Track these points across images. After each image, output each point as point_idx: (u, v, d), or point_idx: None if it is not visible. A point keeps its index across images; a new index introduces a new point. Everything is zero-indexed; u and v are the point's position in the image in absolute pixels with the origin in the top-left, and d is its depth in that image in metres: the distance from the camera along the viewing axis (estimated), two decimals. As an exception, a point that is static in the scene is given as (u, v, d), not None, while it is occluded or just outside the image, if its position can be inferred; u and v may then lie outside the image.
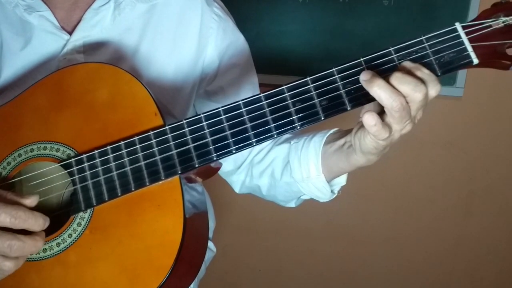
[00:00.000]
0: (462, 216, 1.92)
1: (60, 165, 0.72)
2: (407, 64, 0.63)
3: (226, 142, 0.67)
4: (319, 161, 0.79)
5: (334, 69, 0.65)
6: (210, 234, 1.03)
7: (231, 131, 0.67)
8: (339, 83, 0.65)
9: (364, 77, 0.61)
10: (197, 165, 0.68)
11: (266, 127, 0.66)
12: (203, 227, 0.77)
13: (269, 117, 0.66)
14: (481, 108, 1.79)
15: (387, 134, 0.63)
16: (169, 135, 0.69)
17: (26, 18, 0.82)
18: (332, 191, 0.82)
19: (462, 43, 0.64)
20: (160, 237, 0.66)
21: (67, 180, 0.72)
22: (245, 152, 0.88)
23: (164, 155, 0.68)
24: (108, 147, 0.70)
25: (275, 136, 0.66)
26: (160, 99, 0.74)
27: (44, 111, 0.75)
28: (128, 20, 0.85)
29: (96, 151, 0.70)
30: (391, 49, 0.65)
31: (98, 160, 0.70)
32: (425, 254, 1.98)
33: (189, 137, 0.68)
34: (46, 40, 0.82)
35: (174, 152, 0.68)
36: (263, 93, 0.67)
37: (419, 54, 0.64)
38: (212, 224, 1.06)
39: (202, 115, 0.68)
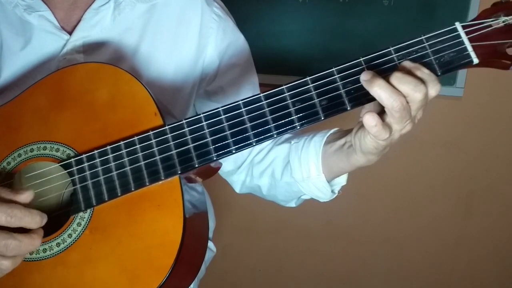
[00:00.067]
0: (462, 216, 1.92)
1: (60, 165, 0.72)
2: (407, 64, 0.63)
3: (226, 142, 0.67)
4: (320, 161, 0.79)
5: (334, 69, 0.65)
6: (210, 234, 1.03)
7: (231, 131, 0.67)
8: (339, 83, 0.65)
9: (364, 77, 0.61)
10: (197, 165, 0.68)
11: (266, 127, 0.66)
12: (203, 227, 0.77)
13: (269, 117, 0.66)
14: (481, 108, 1.79)
15: (387, 134, 0.63)
16: (169, 135, 0.69)
17: (26, 18, 0.82)
18: (332, 191, 0.82)
19: (462, 43, 0.64)
20: (160, 237, 0.66)
21: (67, 180, 0.72)
22: (245, 152, 0.88)
23: (164, 155, 0.68)
24: (108, 147, 0.70)
25: (275, 136, 0.66)
26: (160, 99, 0.74)
27: (44, 111, 0.75)
28: (128, 20, 0.85)
29: (96, 151, 0.70)
30: (391, 49, 0.65)
31: (98, 160, 0.70)
32: (425, 254, 1.98)
33: (189, 137, 0.68)
34: (46, 40, 0.82)
35: (174, 152, 0.68)
36: (263, 93, 0.67)
37: (419, 54, 0.64)
38: (212, 224, 1.06)
39: (202, 115, 0.68)
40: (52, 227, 0.70)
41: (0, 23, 0.83)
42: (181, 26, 0.87)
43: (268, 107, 0.66)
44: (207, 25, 0.89)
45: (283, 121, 0.66)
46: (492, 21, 0.64)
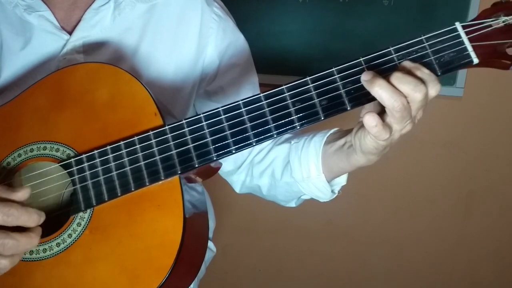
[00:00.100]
0: (462, 216, 1.92)
1: (60, 165, 0.72)
2: (407, 64, 0.63)
3: (226, 142, 0.67)
4: (320, 161, 0.79)
5: (334, 69, 0.65)
6: (210, 234, 1.03)
7: (231, 131, 0.67)
8: (339, 83, 0.65)
9: (365, 77, 0.61)
10: (197, 165, 0.68)
11: (266, 127, 0.66)
12: (203, 227, 0.77)
13: (269, 117, 0.66)
14: (481, 108, 1.79)
15: (387, 134, 0.63)
16: (169, 135, 0.69)
17: (26, 18, 0.82)
18: (332, 191, 0.82)
19: (462, 43, 0.64)
20: (160, 237, 0.66)
21: (67, 180, 0.72)
22: (245, 152, 0.88)
23: (164, 155, 0.68)
24: (108, 147, 0.70)
25: (275, 136, 0.66)
26: (160, 99, 0.74)
27: (44, 111, 0.75)
28: (128, 20, 0.85)
29: (96, 151, 0.70)
30: (391, 48, 0.65)
31: (98, 160, 0.70)
32: (425, 254, 1.98)
33: (188, 137, 0.68)
34: (46, 40, 0.82)
35: (173, 152, 0.68)
36: (263, 93, 0.67)
37: (419, 54, 0.64)
38: (212, 224, 1.06)
39: (202, 115, 0.68)
40: (52, 227, 0.70)
41: (0, 23, 0.83)
42: (181, 26, 0.87)
43: (268, 107, 0.66)
44: (207, 25, 0.89)
45: (283, 121, 0.66)
46: (492, 21, 0.64)
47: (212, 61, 0.90)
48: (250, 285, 2.13)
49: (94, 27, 0.83)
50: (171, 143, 0.68)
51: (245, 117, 0.67)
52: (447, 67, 0.64)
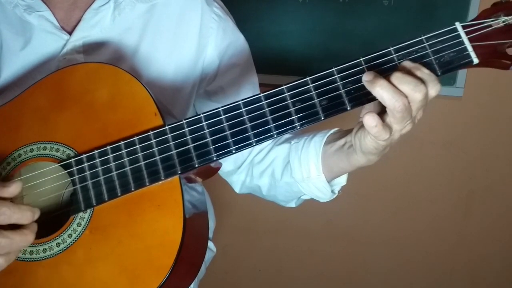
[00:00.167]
0: (462, 216, 1.92)
1: (60, 165, 0.72)
2: (407, 64, 0.63)
3: (226, 142, 0.67)
4: (320, 161, 0.79)
5: (334, 69, 0.65)
6: (210, 234, 1.03)
7: (231, 131, 0.67)
8: (339, 83, 0.65)
9: (366, 77, 0.61)
10: (197, 165, 0.68)
11: (266, 127, 0.66)
12: (203, 227, 0.77)
13: (269, 117, 0.66)
14: (481, 108, 1.79)
15: (387, 134, 0.63)
16: (169, 135, 0.69)
17: (26, 18, 0.82)
18: (332, 191, 0.82)
19: (462, 43, 0.64)
20: (160, 237, 0.66)
21: (67, 180, 0.72)
22: (245, 152, 0.88)
23: (164, 155, 0.68)
24: (108, 147, 0.70)
25: (275, 136, 0.66)
26: (160, 99, 0.74)
27: (44, 111, 0.75)
28: (128, 20, 0.85)
29: (96, 151, 0.70)
30: (391, 49, 0.65)
31: (98, 160, 0.70)
32: (425, 254, 1.98)
33: (189, 137, 0.68)
34: (46, 40, 0.82)
35: (174, 152, 0.68)
36: (263, 93, 0.67)
37: (419, 54, 0.64)
38: (212, 224, 1.06)
39: (202, 115, 0.68)
40: (52, 227, 0.70)
41: (0, 23, 0.83)
42: (181, 26, 0.87)
43: (268, 107, 0.66)
44: (207, 25, 0.89)
45: (283, 121, 0.66)
46: (492, 21, 0.64)
47: (212, 61, 0.90)
48: (250, 285, 2.13)
49: (94, 27, 0.83)
50: (171, 143, 0.68)
51: (245, 117, 0.67)
52: (447, 67, 0.64)
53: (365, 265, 2.03)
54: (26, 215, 0.64)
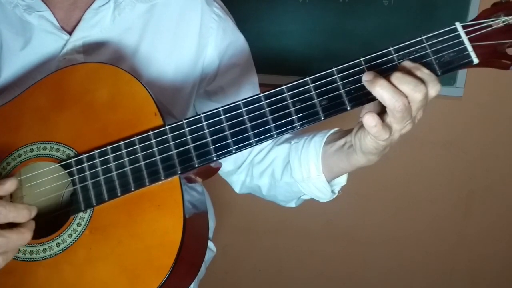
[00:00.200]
0: (462, 216, 1.92)
1: (60, 165, 0.72)
2: (407, 64, 0.63)
3: (226, 142, 0.67)
4: (320, 161, 0.79)
5: (334, 69, 0.65)
6: (210, 234, 1.03)
7: (231, 131, 0.67)
8: (339, 83, 0.65)
9: (366, 77, 0.61)
10: (197, 165, 0.68)
11: (266, 127, 0.66)
12: (203, 227, 0.77)
13: (269, 117, 0.66)
14: (481, 108, 1.79)
15: (387, 134, 0.63)
16: (169, 135, 0.68)
17: (26, 18, 0.82)
18: (332, 191, 0.82)
19: (462, 43, 0.64)
20: (160, 237, 0.66)
21: (67, 180, 0.72)
22: (245, 152, 0.88)
23: (164, 155, 0.68)
24: (108, 147, 0.70)
25: (275, 136, 0.66)
26: (160, 99, 0.74)
27: (44, 111, 0.75)
28: (128, 20, 0.85)
29: (96, 151, 0.70)
30: (391, 49, 0.65)
31: (98, 160, 0.70)
32: (425, 254, 1.98)
33: (189, 137, 0.68)
34: (46, 40, 0.82)
35: (173, 152, 0.68)
36: (263, 93, 0.67)
37: (419, 54, 0.64)
38: (212, 224, 1.06)
39: (202, 115, 0.68)
40: (52, 227, 0.70)
41: (0, 23, 0.83)
42: (181, 26, 0.87)
43: (268, 107, 0.66)
44: (207, 25, 0.89)
45: (283, 121, 0.66)
46: (492, 21, 0.64)
47: (212, 61, 0.90)
48: (250, 285, 2.13)
49: (94, 27, 0.83)
50: (171, 143, 0.68)
51: (245, 117, 0.67)
52: (447, 67, 0.64)
53: (365, 265, 2.03)
54: (22, 214, 0.64)
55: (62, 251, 0.69)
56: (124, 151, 0.69)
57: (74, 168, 0.71)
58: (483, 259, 1.95)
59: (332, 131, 0.81)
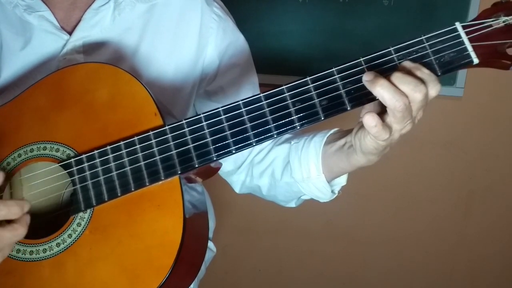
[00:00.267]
0: (462, 216, 1.92)
1: (60, 165, 0.72)
2: (407, 64, 0.63)
3: (226, 142, 0.67)
4: (320, 161, 0.79)
5: (334, 69, 0.65)
6: (210, 234, 1.03)
7: (231, 131, 0.67)
8: (339, 83, 0.65)
9: (366, 77, 0.61)
10: (197, 165, 0.68)
11: (266, 127, 0.66)
12: (203, 227, 0.77)
13: (269, 117, 0.66)
14: (481, 108, 1.79)
15: (387, 134, 0.63)
16: (169, 135, 0.68)
17: (26, 18, 0.82)
18: (332, 191, 0.82)
19: (462, 43, 0.64)
20: (160, 237, 0.66)
21: (67, 180, 0.72)
22: (245, 152, 0.88)
23: (164, 155, 0.68)
24: (108, 147, 0.70)
25: (275, 136, 0.66)
26: (160, 99, 0.74)
27: (44, 111, 0.75)
28: (128, 20, 0.85)
29: (96, 151, 0.70)
30: (391, 49, 0.65)
31: (98, 160, 0.70)
32: (425, 254, 1.98)
33: (189, 137, 0.68)
34: (46, 40, 0.82)
35: (174, 152, 0.68)
36: (263, 93, 0.67)
37: (419, 54, 0.64)
38: (212, 224, 1.06)
39: (202, 115, 0.68)
40: (52, 227, 0.70)
41: (0, 23, 0.83)
42: (181, 26, 0.87)
43: (268, 107, 0.66)
44: (207, 25, 0.89)
45: (283, 121, 0.66)
46: (492, 21, 0.64)
47: (212, 61, 0.90)
48: (250, 285, 2.13)
49: (94, 27, 0.83)
50: (171, 143, 0.68)
51: (245, 117, 0.67)
52: (447, 67, 0.64)
53: (365, 265, 2.03)
54: (13, 210, 0.63)
55: (62, 251, 0.69)
56: (124, 151, 0.69)
57: (74, 168, 0.71)
58: (483, 259, 1.95)
59: (332, 131, 0.81)
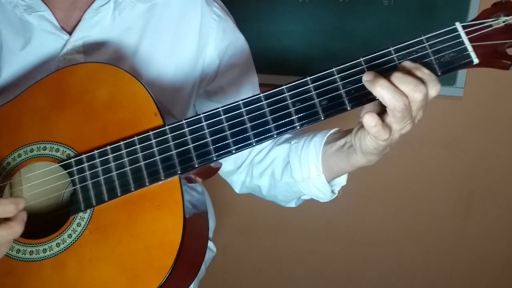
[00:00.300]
0: (462, 216, 1.92)
1: (60, 165, 0.72)
2: (407, 64, 0.63)
3: (226, 142, 0.67)
4: (320, 161, 0.79)
5: (334, 69, 0.65)
6: (210, 234, 1.03)
7: (231, 131, 0.67)
8: (339, 83, 0.65)
9: (366, 77, 0.61)
10: (197, 165, 0.68)
11: (266, 127, 0.66)
12: (203, 227, 0.77)
13: (269, 117, 0.66)
14: (481, 108, 1.79)
15: (387, 134, 0.63)
16: (169, 135, 0.68)
17: (26, 18, 0.82)
18: (332, 191, 0.82)
19: (462, 43, 0.64)
20: (160, 237, 0.66)
21: (66, 180, 0.72)
22: (245, 152, 0.88)
23: (164, 155, 0.68)
24: (108, 147, 0.70)
25: (275, 136, 0.66)
26: (160, 99, 0.74)
27: (44, 111, 0.75)
28: (128, 20, 0.85)
29: (95, 151, 0.70)
30: (391, 49, 0.65)
31: (97, 160, 0.70)
32: (425, 254, 1.98)
33: (188, 137, 0.68)
34: (46, 40, 0.82)
35: (173, 152, 0.68)
36: (263, 93, 0.67)
37: (419, 54, 0.64)
38: (212, 224, 1.06)
39: (202, 115, 0.68)
40: (52, 227, 0.70)
41: (0, 23, 0.83)
42: (181, 26, 0.87)
43: (268, 107, 0.66)
44: (207, 25, 0.89)
45: (283, 121, 0.66)
46: (492, 21, 0.64)
47: (212, 61, 0.90)
48: (250, 285, 2.13)
49: (94, 27, 0.83)
50: (171, 143, 0.68)
51: (245, 117, 0.67)
52: (447, 67, 0.64)
53: (365, 265, 2.03)
54: (8, 209, 0.63)
55: (62, 251, 0.69)
56: (124, 151, 0.69)
57: (74, 168, 0.71)
58: (483, 259, 1.95)
59: (332, 131, 0.81)
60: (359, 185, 1.70)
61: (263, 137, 0.67)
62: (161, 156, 0.68)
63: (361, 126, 0.67)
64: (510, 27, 0.63)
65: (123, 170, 0.69)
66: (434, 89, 0.62)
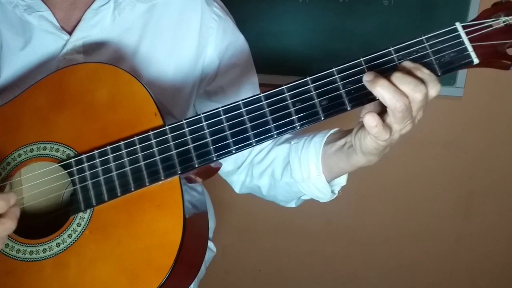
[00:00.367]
0: (462, 216, 1.92)
1: (60, 165, 0.72)
2: (407, 64, 0.63)
3: (226, 142, 0.67)
4: (320, 161, 0.79)
5: (334, 69, 0.65)
6: (210, 234, 1.03)
7: (231, 131, 0.67)
8: (339, 83, 0.65)
9: (367, 77, 0.61)
10: (197, 165, 0.68)
11: (266, 127, 0.66)
12: (203, 227, 0.77)
13: (269, 117, 0.66)
14: (481, 108, 1.79)
15: (387, 135, 0.63)
16: (169, 135, 0.68)
17: (26, 18, 0.82)
18: (332, 191, 0.82)
19: (462, 43, 0.64)
20: (160, 237, 0.66)
21: (66, 180, 0.72)
22: (245, 152, 0.88)
23: (164, 155, 0.68)
24: (108, 147, 0.70)
25: (275, 136, 0.66)
26: (160, 99, 0.74)
27: (44, 111, 0.74)
28: (128, 20, 0.85)
29: (96, 151, 0.70)
30: (391, 49, 0.65)
31: (97, 160, 0.70)
32: (425, 254, 1.98)
33: (189, 137, 0.68)
34: (46, 40, 0.82)
35: (173, 152, 0.68)
36: (263, 93, 0.67)
37: (419, 54, 0.64)
38: (212, 224, 1.06)
39: (202, 115, 0.68)
40: (52, 227, 0.70)
41: (0, 23, 0.83)
42: (181, 26, 0.87)
43: (268, 107, 0.66)
44: (207, 25, 0.89)
45: (283, 121, 0.66)
46: (492, 21, 0.64)
47: (212, 61, 0.90)
48: (250, 285, 2.13)
49: (94, 27, 0.83)
50: (171, 143, 0.68)
51: (245, 117, 0.67)
52: (447, 67, 0.64)
53: (365, 265, 2.03)
54: None
55: (62, 251, 0.69)
56: (124, 151, 0.69)
57: (74, 168, 0.71)
58: (483, 259, 1.95)
59: (332, 131, 0.81)
60: (359, 185, 1.70)
61: (263, 137, 0.67)
62: (161, 156, 0.68)
63: (361, 126, 0.67)
64: (510, 27, 0.63)
65: (123, 170, 0.69)
66: (434, 89, 0.62)
